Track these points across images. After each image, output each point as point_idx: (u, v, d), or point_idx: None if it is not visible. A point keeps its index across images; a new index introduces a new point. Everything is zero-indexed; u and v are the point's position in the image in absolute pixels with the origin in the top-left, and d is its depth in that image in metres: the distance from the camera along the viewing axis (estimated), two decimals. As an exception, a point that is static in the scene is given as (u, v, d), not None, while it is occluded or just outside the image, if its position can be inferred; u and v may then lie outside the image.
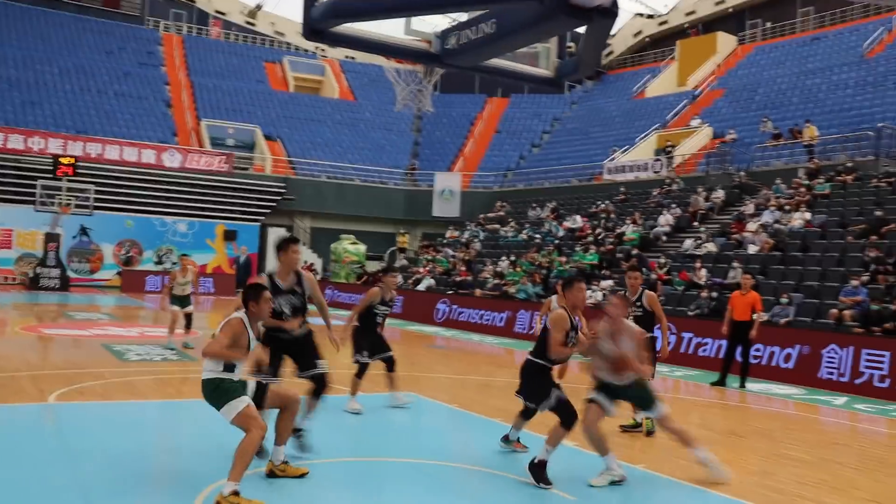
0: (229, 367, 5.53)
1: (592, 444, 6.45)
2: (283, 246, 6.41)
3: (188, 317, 13.49)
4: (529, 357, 6.56)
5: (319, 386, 6.66)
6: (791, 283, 16.45)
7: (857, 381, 12.58)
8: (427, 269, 27.67)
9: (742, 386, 12.59)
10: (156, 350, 13.43)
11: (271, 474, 6.02)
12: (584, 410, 6.44)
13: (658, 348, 8.88)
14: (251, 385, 5.69)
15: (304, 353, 6.58)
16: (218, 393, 5.53)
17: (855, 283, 14.92)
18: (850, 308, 14.40)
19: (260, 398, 5.78)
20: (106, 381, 10.12)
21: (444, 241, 31.85)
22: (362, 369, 8.98)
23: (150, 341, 14.76)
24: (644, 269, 9.19)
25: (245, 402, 5.48)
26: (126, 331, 16.59)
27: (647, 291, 8.73)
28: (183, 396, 9.64)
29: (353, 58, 48.81)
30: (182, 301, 13.41)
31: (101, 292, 28.92)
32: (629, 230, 23.42)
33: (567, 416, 6.26)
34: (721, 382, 12.70)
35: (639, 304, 8.60)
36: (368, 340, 8.99)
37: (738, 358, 12.75)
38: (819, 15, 39.19)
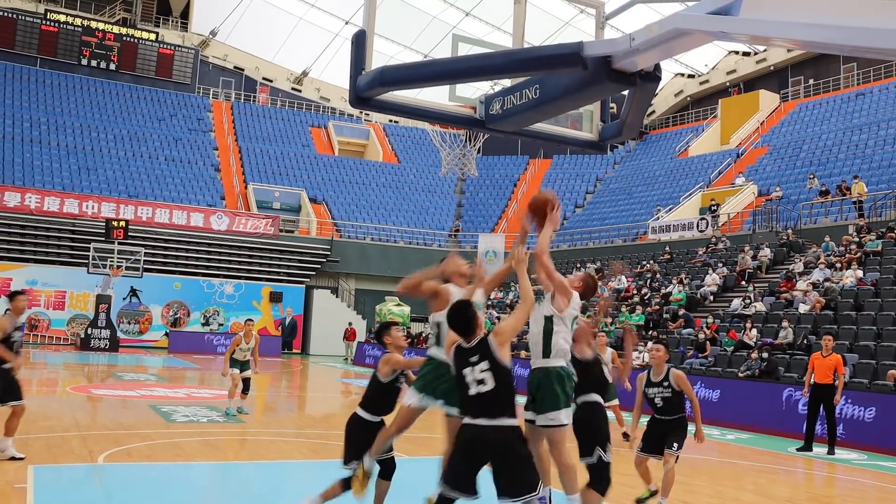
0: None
1: None
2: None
3: (246, 381, 13.34)
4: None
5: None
6: (845, 342, 16.03)
7: (920, 446, 12.11)
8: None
9: (831, 453, 12.05)
10: (202, 411, 13.51)
11: None
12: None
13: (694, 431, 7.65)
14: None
15: None
16: None
17: (912, 343, 14.47)
18: (909, 369, 13.94)
19: None
20: (153, 442, 10.17)
21: (489, 303, 31.74)
22: None
23: (197, 403, 14.86)
24: (667, 346, 8.08)
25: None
26: (173, 392, 16.71)
27: (673, 370, 7.64)
28: (229, 459, 9.64)
29: (396, 121, 49.66)
30: (242, 366, 13.29)
31: (149, 353, 29.30)
32: (675, 290, 23.13)
33: None
34: (807, 448, 12.27)
35: (666, 383, 7.50)
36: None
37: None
38: (863, 71, 38.96)
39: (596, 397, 6.15)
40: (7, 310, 8.73)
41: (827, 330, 16.97)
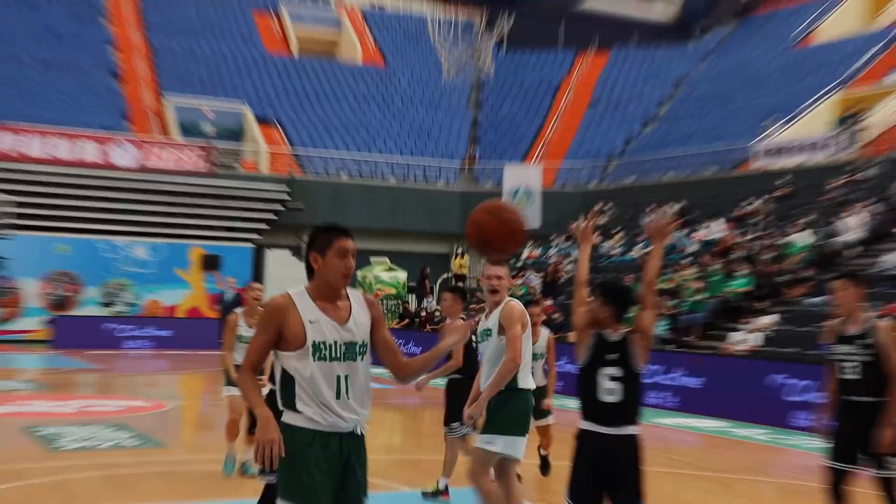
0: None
1: None
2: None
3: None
4: None
5: None
6: None
7: None
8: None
9: None
10: (104, 433, 13.37)
11: None
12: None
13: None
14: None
15: None
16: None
17: None
18: None
19: None
20: (27, 482, 10.04)
21: (521, 264, 31.53)
22: None
23: (95, 420, 14.69)
24: (857, 280, 7.46)
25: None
26: (59, 406, 16.58)
27: (879, 323, 7.29)
28: (141, 500, 9.57)
29: (381, 7, 49.20)
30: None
31: (20, 349, 29.25)
32: (797, 240, 22.89)
33: None
34: None
35: (869, 340, 7.12)
36: None
37: None
38: None
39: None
40: None
41: None
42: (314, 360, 4.77)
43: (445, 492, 9.52)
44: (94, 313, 32.19)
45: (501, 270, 7.60)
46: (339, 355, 4.83)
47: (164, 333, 30.92)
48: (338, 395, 4.79)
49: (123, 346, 30.67)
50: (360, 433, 4.88)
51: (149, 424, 14.11)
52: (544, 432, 10.76)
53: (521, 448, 7.33)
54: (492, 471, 7.46)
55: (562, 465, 10.79)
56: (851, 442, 7.07)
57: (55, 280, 32.07)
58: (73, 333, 30.69)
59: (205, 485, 10.36)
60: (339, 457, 4.79)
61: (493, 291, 7.56)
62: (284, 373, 4.84)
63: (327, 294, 4.92)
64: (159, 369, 27.00)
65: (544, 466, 10.80)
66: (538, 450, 10.66)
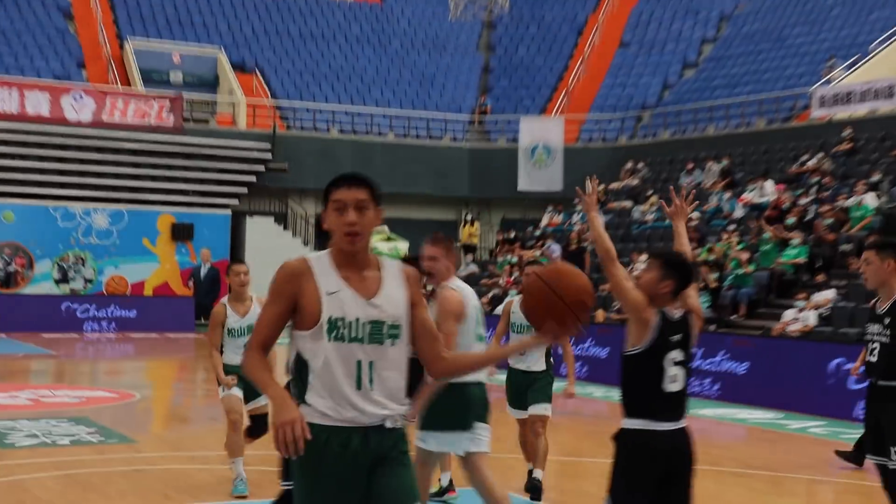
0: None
1: None
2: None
3: (258, 418, 10.34)
4: None
5: None
6: None
7: None
8: (511, 277, 27.45)
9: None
10: (60, 427, 13.42)
11: None
12: None
13: None
14: None
15: None
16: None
17: None
18: None
19: None
20: (-23, 481, 10.15)
21: (540, 232, 31.53)
22: None
23: (51, 413, 14.73)
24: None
25: None
26: (9, 397, 16.65)
27: None
28: (106, 502, 9.62)
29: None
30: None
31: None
32: (863, 202, 22.81)
33: None
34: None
35: (889, 317, 7.26)
36: None
37: None
38: None
39: None
40: None
41: None
42: (329, 341, 4.50)
43: (451, 488, 9.67)
44: (48, 291, 32.15)
45: (437, 250, 7.50)
46: (360, 336, 4.52)
47: (128, 314, 30.95)
48: (358, 386, 4.49)
49: (82, 329, 30.74)
50: (390, 427, 4.55)
51: (113, 417, 14.24)
52: (536, 427, 9.68)
53: (459, 444, 7.43)
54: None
55: (584, 462, 10.87)
56: (881, 431, 7.22)
57: (1, 253, 32.09)
58: (22, 314, 30.70)
59: (177, 485, 10.43)
60: (364, 457, 4.49)
61: (428, 275, 7.46)
62: (298, 357, 4.59)
63: (348, 261, 4.64)
64: (124, 355, 27.10)
65: (534, 492, 9.77)
66: (529, 472, 9.86)
